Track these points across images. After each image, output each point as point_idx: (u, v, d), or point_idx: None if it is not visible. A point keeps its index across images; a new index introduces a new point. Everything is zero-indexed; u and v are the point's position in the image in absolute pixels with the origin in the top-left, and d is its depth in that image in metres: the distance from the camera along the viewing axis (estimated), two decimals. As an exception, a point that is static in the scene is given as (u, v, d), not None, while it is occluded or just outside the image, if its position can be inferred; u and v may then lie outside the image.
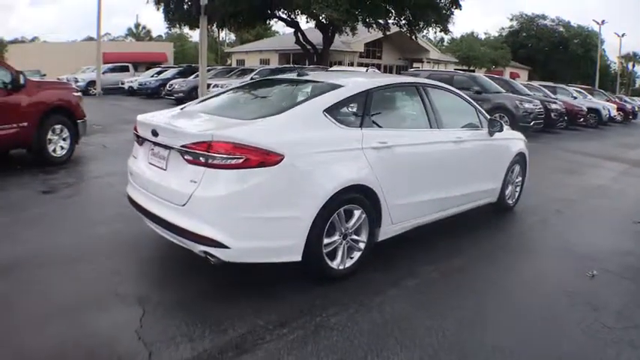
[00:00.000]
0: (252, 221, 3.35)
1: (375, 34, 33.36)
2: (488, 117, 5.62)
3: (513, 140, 6.19)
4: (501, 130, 5.52)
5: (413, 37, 31.60)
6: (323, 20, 28.60)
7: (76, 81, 27.53)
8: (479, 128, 5.48)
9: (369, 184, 3.93)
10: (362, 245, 4.02)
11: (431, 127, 4.76)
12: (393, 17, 29.09)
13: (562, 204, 7.05)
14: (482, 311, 3.65)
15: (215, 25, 33.16)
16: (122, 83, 27.35)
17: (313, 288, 3.77)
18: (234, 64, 43.71)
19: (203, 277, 3.85)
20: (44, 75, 28.63)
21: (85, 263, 4.11)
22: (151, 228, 3.99)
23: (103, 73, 27.40)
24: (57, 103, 7.85)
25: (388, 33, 31.45)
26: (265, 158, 3.33)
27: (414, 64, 40.38)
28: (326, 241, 3.71)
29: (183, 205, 3.41)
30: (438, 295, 3.86)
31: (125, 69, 30.62)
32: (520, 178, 6.39)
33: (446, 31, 29.49)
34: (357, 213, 3.92)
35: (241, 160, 3.27)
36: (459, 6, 28.00)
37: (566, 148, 13.70)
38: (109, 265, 4.06)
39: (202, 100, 4.78)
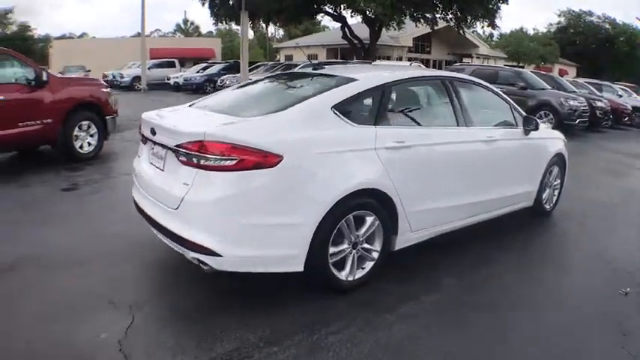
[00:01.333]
0: (247, 228, 3.08)
1: (423, 28, 32.78)
2: (524, 114, 5.12)
3: (551, 140, 5.66)
4: (537, 128, 5.02)
5: (461, 31, 30.82)
6: (369, 15, 28.17)
7: (121, 77, 28.20)
8: (513, 127, 5.00)
9: (383, 188, 3.57)
10: (375, 255, 3.69)
11: (458, 125, 4.33)
12: (440, 11, 28.41)
13: (603, 209, 6.46)
14: (503, 335, 3.24)
15: (261, 21, 33.25)
16: (168, 79, 27.75)
17: (318, 300, 3.47)
18: (282, 60, 43.74)
19: (204, 285, 3.62)
20: (89, 71, 29.33)
21: (87, 266, 3.96)
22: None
23: (149, 68, 27.86)
24: (83, 99, 7.80)
25: (436, 28, 30.84)
26: (262, 159, 3.05)
27: (464, 60, 39.40)
28: (332, 250, 3.40)
29: (176, 208, 3.19)
30: (457, 314, 3.46)
31: (171, 64, 31.06)
32: (558, 181, 5.84)
33: (493, 25, 28.52)
34: (369, 220, 3.58)
35: (235, 162, 3.00)
36: (505, 0, 27.07)
37: (611, 149, 12.75)
38: (111, 270, 3.89)
39: (212, 96, 4.55)
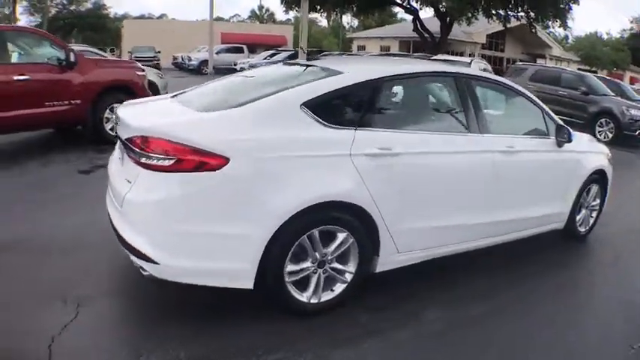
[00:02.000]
0: (185, 236, 2.73)
1: (497, 25, 31.58)
2: (559, 122, 4.38)
3: (591, 154, 4.84)
4: (569, 140, 4.26)
5: (532, 30, 29.56)
6: (441, 8, 27.40)
7: (189, 60, 28.64)
8: (545, 137, 4.29)
9: (358, 202, 3.06)
10: (348, 276, 3.20)
11: (469, 132, 3.70)
12: (512, 9, 27.28)
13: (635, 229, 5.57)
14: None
15: (336, 11, 33.21)
16: (235, 64, 27.92)
17: (273, 320, 3.05)
18: (355, 50, 43.24)
19: (165, 289, 3.15)
20: (159, 52, 29.84)
21: (65, 255, 3.80)
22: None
23: (218, 53, 28.14)
24: (114, 81, 7.72)
25: (509, 25, 29.72)
26: (204, 161, 2.67)
27: (537, 60, 37.42)
28: (291, 268, 2.96)
29: (121, 207, 2.90)
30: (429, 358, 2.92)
31: (239, 50, 31.27)
32: (597, 201, 5.02)
33: (564, 26, 27.30)
34: (340, 236, 3.09)
35: (173, 162, 2.66)
36: (576, 0, 25.61)
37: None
38: (82, 262, 3.69)
39: (199, 87, 4.17)
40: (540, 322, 3.38)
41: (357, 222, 3.10)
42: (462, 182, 3.63)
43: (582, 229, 4.95)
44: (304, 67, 3.77)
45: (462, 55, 34.22)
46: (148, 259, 2.72)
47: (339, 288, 3.17)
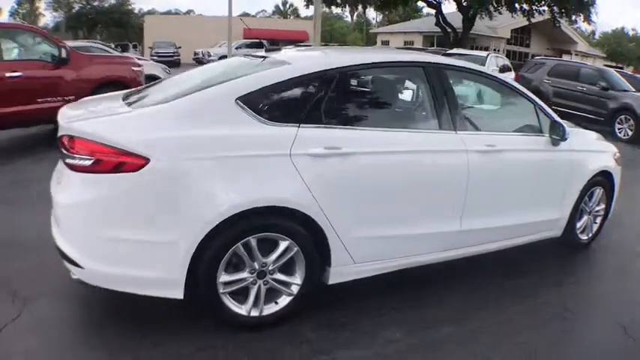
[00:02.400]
0: (107, 241, 2.51)
1: (522, 20, 30.78)
2: (554, 118, 3.83)
3: (594, 153, 4.27)
4: (562, 138, 3.71)
5: (556, 25, 28.79)
6: (463, 2, 26.82)
7: (209, 55, 28.47)
8: (539, 134, 3.78)
9: (299, 208, 2.70)
10: (294, 289, 2.84)
11: (440, 129, 3.25)
12: (535, 2, 26.57)
13: None
14: None
15: (357, 6, 32.89)
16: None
17: (207, 333, 2.73)
18: (379, 45, 42.69)
19: (116, 295, 2.70)
20: (179, 47, 29.68)
21: (25, 253, 3.59)
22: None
23: (237, 48, 27.83)
24: (108, 77, 7.56)
25: (533, 20, 29.03)
26: (122, 161, 2.43)
27: (563, 55, 36.32)
28: (226, 278, 2.65)
29: (52, 208, 2.82)
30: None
31: (259, 45, 30.85)
32: (602, 206, 4.44)
33: (588, 21, 26.49)
34: (282, 245, 2.73)
35: (92, 162, 2.45)
36: None
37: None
38: (44, 260, 3.34)
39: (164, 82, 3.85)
40: (513, 355, 2.84)
41: (302, 229, 2.75)
42: (429, 186, 3.18)
43: (584, 237, 4.40)
44: (260, 59, 3.35)
45: (486, 50, 33.58)
46: (74, 263, 2.55)
47: (284, 301, 2.84)
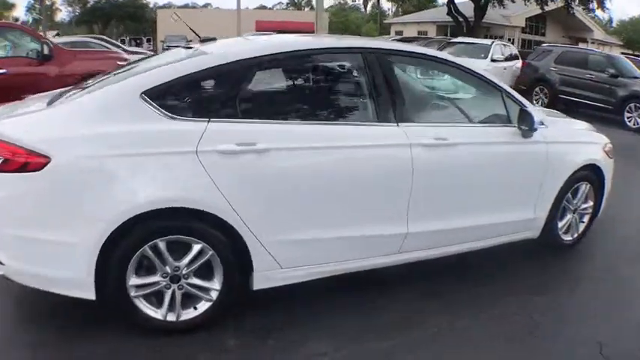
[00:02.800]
0: (18, 239, 2.43)
1: (535, 8, 29.92)
2: (524, 106, 3.37)
3: (578, 145, 3.82)
4: (530, 129, 3.27)
5: (570, 11, 27.94)
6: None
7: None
8: (506, 125, 3.36)
9: (209, 209, 2.46)
10: (214, 294, 2.61)
11: (378, 121, 2.91)
12: None
13: None
14: None
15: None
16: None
17: (119, 336, 2.55)
18: (392, 35, 42.16)
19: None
20: (190, 41, 29.38)
21: None
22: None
23: (246, 40, 27.45)
24: (93, 72, 7.51)
25: (547, 8, 28.10)
26: (27, 160, 2.32)
27: (579, 44, 35.35)
28: (137, 281, 2.48)
29: None
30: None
31: (269, 37, 30.58)
32: (590, 203, 3.99)
33: (602, 7, 25.60)
34: (195, 248, 2.50)
35: (1, 161, 2.34)
36: None
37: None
38: None
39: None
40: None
41: (216, 232, 2.51)
42: (364, 185, 2.84)
43: (567, 238, 3.96)
44: (191, 50, 3.09)
45: (501, 38, 32.93)
46: None
47: (203, 306, 2.62)
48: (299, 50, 2.96)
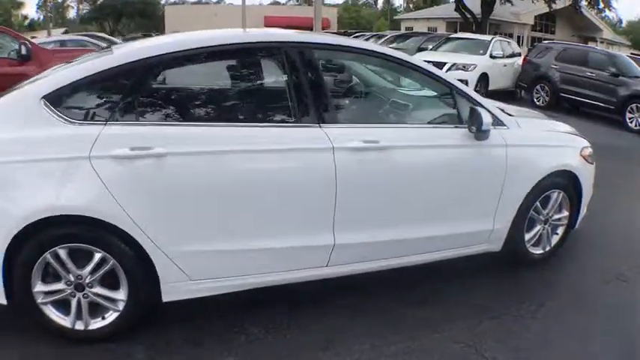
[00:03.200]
0: None
1: (544, 6, 29.31)
2: (476, 105, 3.02)
3: (547, 149, 3.44)
4: (478, 130, 2.91)
5: (577, 10, 27.54)
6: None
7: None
8: (457, 126, 3.04)
9: (102, 217, 2.32)
10: (121, 305, 2.48)
11: (298, 122, 2.65)
12: None
13: (634, 263, 3.74)
14: None
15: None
16: None
17: (39, 342, 2.44)
18: (402, 31, 41.97)
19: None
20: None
21: None
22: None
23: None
24: None
25: (555, 7, 27.62)
26: None
27: (588, 43, 34.65)
28: (43, 288, 2.39)
29: None
30: None
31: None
32: (564, 213, 3.62)
33: (608, 6, 25.62)
34: (96, 256, 2.38)
35: None
36: None
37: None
38: None
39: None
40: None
41: (117, 240, 2.37)
42: (278, 193, 2.59)
43: (538, 251, 3.60)
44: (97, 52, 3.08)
45: (510, 36, 32.41)
46: None
47: (111, 316, 2.51)
48: (205, 47, 2.67)
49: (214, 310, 2.72)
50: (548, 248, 3.63)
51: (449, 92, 3.06)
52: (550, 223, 3.57)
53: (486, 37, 13.03)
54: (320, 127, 2.62)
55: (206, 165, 2.43)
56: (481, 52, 11.98)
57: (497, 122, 3.11)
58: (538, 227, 3.51)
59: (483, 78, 11.39)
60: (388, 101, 3.31)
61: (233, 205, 2.51)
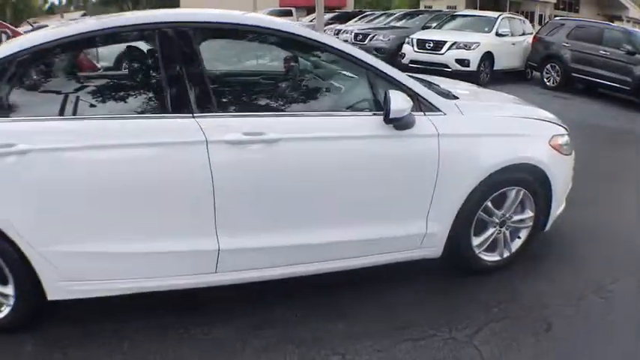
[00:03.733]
0: None
1: None
2: (407, 88, 2.52)
3: (498, 138, 2.83)
4: (386, 119, 2.43)
5: None
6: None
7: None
8: (372, 113, 2.54)
9: None
10: (11, 300, 2.38)
11: (168, 112, 2.34)
12: None
13: (621, 273, 3.11)
14: None
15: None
16: None
17: None
18: (421, 9, 41.02)
19: None
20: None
21: None
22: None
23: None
24: None
25: None
26: None
27: (614, 21, 33.04)
28: None
29: None
30: None
31: (288, 13, 29.58)
32: (528, 214, 3.03)
33: None
34: None
35: None
36: None
37: None
38: None
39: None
40: None
41: None
42: (147, 192, 2.31)
43: (493, 258, 3.03)
44: None
45: (532, 15, 31.20)
46: None
47: (5, 310, 2.41)
48: (69, 36, 2.39)
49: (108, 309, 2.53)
50: (507, 254, 3.06)
51: (364, 73, 2.55)
52: (508, 225, 2.99)
53: (493, 14, 12.14)
54: (193, 117, 2.29)
55: (66, 162, 2.22)
56: (486, 29, 11.15)
57: (426, 107, 2.57)
58: (491, 230, 2.94)
59: (488, 57, 10.59)
60: (285, 87, 2.85)
61: (96, 206, 2.28)
